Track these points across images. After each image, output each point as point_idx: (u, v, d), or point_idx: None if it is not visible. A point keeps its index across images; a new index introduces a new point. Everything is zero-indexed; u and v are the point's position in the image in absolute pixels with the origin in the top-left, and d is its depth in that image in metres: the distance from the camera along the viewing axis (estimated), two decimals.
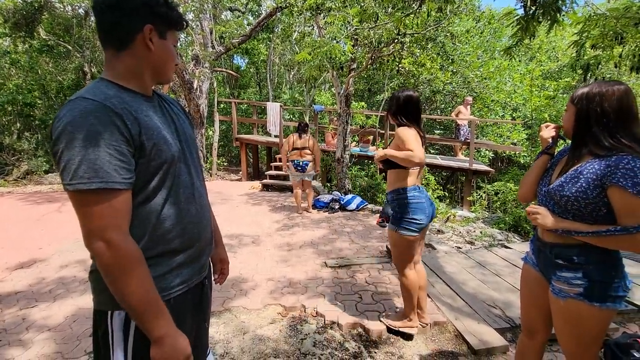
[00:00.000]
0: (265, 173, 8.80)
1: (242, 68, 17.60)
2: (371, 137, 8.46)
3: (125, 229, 0.80)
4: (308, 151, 5.39)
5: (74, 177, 0.74)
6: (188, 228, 0.96)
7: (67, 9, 11.13)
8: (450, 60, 8.22)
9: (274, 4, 9.80)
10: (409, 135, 1.95)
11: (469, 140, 7.69)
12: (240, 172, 10.57)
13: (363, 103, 9.61)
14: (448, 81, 8.35)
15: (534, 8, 2.30)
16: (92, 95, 0.78)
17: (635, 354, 1.60)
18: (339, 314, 2.55)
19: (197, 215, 0.99)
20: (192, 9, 7.85)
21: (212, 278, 1.23)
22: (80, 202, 0.76)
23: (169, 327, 0.83)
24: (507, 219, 4.94)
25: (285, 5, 7.59)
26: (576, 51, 3.64)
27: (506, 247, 4.01)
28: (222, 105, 13.82)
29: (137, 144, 0.81)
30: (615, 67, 3.88)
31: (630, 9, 2.58)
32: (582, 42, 2.82)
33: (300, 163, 5.36)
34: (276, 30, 12.82)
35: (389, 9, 4.65)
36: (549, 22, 2.33)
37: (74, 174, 0.74)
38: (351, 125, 6.89)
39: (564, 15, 2.32)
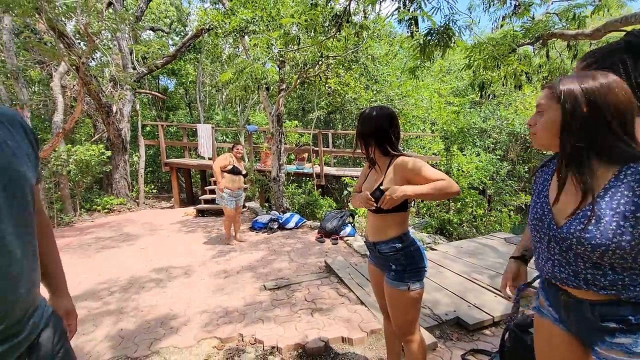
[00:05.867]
0: (200, 198, 8.38)
1: (170, 89, 16.83)
2: (306, 155, 8.63)
3: None
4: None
5: None
6: None
7: None
8: (373, 80, 8.88)
9: (199, 25, 9.65)
10: (425, 164, 1.53)
11: None
12: (172, 199, 9.92)
13: (297, 122, 9.81)
14: (373, 99, 8.99)
15: (417, 34, 2.64)
16: None
17: (532, 331, 1.83)
18: (278, 338, 2.49)
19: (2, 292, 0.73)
20: (107, 28, 7.34)
21: (42, 346, 0.89)
22: None
23: None
24: (433, 222, 5.38)
25: (210, 27, 7.53)
26: (473, 72, 4.24)
27: (433, 249, 4.35)
28: (148, 129, 12.95)
29: None
30: (503, 85, 4.59)
31: (505, 38, 3.09)
32: (471, 65, 3.29)
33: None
34: (203, 50, 12.57)
35: (311, 33, 4.89)
36: (443, 47, 2.70)
37: None
38: (285, 144, 6.96)
39: (453, 42, 2.71)
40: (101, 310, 3.11)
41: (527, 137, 9.86)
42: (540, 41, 3.64)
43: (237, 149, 4.90)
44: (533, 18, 4.15)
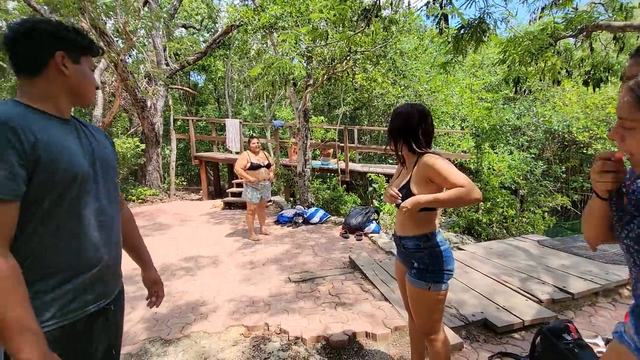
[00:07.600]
0: (227, 191, 8.62)
1: (200, 85, 17.32)
2: (331, 150, 8.64)
3: (2, 241, 0.78)
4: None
5: None
6: (86, 251, 0.94)
7: (1, 23, 10.38)
8: (401, 76, 8.72)
9: (229, 22, 9.85)
10: (448, 165, 1.47)
11: None
12: (201, 191, 10.25)
13: (322, 117, 9.83)
14: (400, 95, 8.83)
15: (446, 30, 2.56)
16: None
17: (566, 337, 1.77)
18: (302, 329, 2.54)
19: (100, 238, 0.99)
20: (144, 26, 7.67)
21: (122, 303, 1.19)
22: None
23: (39, 354, 0.76)
24: (460, 222, 5.24)
25: (240, 24, 7.67)
26: (508, 67, 4.07)
27: (460, 249, 4.25)
28: (179, 123, 13.42)
29: (32, 157, 0.82)
30: (540, 80, 4.37)
31: (544, 31, 2.94)
32: (506, 60, 3.16)
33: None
34: (232, 46, 12.83)
35: (340, 28, 4.87)
36: (475, 42, 2.60)
37: None
38: (311, 139, 7.00)
39: (487, 36, 2.61)
40: (137, 294, 3.29)
41: (565, 136, 9.32)
42: (584, 33, 3.42)
43: (253, 143, 4.93)
44: (576, 9, 3.91)
